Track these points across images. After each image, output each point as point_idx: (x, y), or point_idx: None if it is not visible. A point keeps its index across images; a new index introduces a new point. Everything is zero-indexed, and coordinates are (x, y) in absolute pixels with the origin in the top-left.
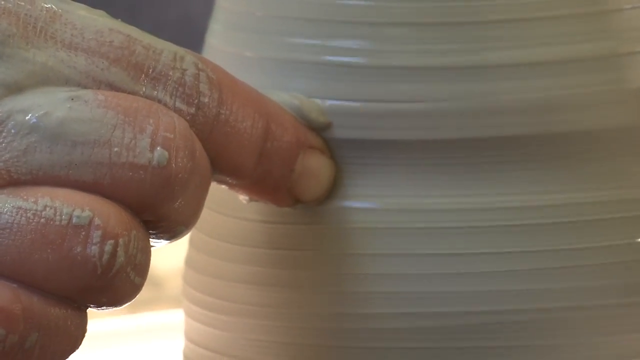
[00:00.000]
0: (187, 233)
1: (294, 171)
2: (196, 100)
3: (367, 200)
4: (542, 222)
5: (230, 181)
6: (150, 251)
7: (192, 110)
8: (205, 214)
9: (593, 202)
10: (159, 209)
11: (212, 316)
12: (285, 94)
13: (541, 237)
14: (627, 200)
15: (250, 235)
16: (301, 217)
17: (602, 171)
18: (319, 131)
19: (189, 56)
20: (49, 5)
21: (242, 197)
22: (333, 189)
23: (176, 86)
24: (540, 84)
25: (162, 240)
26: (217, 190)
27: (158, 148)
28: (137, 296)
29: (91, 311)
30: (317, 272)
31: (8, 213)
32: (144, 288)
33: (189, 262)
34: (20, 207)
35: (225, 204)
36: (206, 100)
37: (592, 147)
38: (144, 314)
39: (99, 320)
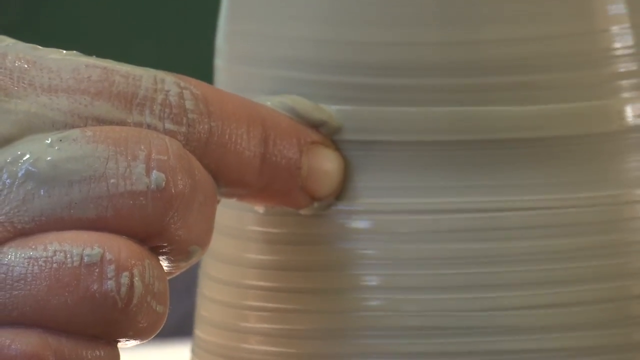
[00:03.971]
0: (202, 253)
1: (301, 169)
2: (185, 119)
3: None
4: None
5: (238, 192)
6: (166, 279)
7: (183, 129)
8: None
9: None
10: (166, 232)
11: None
12: (277, 97)
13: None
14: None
15: None
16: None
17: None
18: (317, 127)
19: (169, 77)
20: (21, 55)
21: (258, 208)
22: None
23: (162, 108)
24: (530, 92)
25: (179, 264)
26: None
27: (154, 172)
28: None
29: None
30: None
31: (20, 265)
32: None
33: None
34: (30, 257)
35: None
36: (195, 116)
37: (576, 150)
38: None
39: None
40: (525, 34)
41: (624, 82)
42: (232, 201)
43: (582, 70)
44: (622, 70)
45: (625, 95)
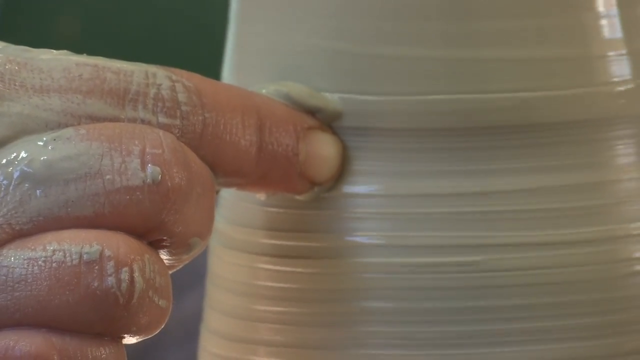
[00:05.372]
0: (204, 245)
1: (298, 155)
2: (178, 111)
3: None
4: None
5: (236, 182)
6: (167, 273)
7: (177, 122)
8: None
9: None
10: (165, 225)
11: None
12: (272, 84)
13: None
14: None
15: None
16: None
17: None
18: (313, 114)
19: (160, 71)
20: (12, 58)
21: (259, 195)
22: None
23: (155, 102)
24: (524, 82)
25: (180, 257)
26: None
27: (149, 166)
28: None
29: None
30: None
31: (20, 266)
32: None
33: None
34: (30, 258)
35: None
36: (188, 108)
37: (566, 135)
38: None
39: None
40: (520, 19)
41: (615, 70)
42: (238, 255)
43: (575, 57)
44: (613, 56)
45: (616, 82)
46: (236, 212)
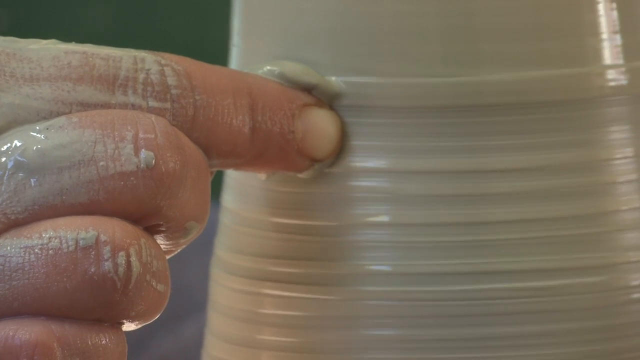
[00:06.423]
0: (200, 229)
1: (294, 133)
2: (168, 95)
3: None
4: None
5: (231, 163)
6: (165, 258)
7: (168, 105)
8: None
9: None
10: (160, 210)
11: None
12: (266, 64)
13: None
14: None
15: None
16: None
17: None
18: (309, 91)
19: (149, 56)
20: (0, 50)
21: (259, 175)
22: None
23: (145, 87)
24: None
25: (177, 241)
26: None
27: (142, 151)
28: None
29: None
30: None
31: (16, 255)
32: None
33: None
34: (26, 246)
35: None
36: (178, 91)
37: (560, 114)
38: None
39: None
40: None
41: (606, 50)
42: (241, 282)
43: (567, 39)
44: (604, 37)
45: (607, 62)
46: (236, 239)
